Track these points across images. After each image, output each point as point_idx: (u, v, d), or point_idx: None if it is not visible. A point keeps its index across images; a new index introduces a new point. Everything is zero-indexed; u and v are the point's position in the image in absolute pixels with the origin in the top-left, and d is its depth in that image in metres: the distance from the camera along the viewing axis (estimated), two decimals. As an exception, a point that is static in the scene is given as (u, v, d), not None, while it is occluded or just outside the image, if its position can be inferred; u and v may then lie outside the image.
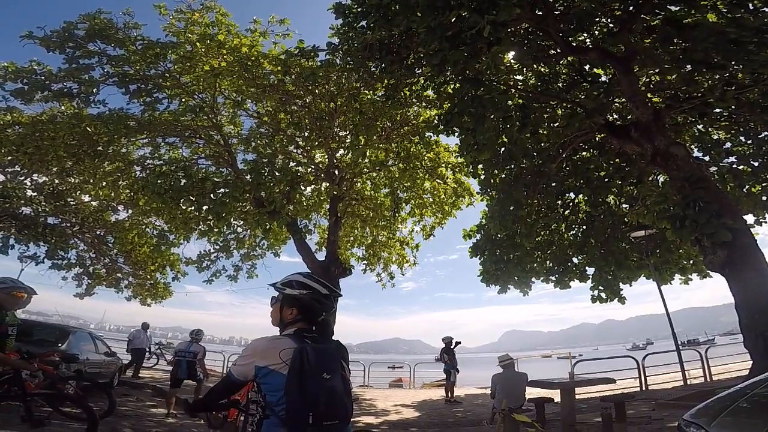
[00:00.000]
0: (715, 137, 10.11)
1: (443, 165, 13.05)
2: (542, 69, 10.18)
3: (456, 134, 8.75)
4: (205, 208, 10.30)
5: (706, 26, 6.76)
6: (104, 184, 13.24)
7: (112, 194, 13.60)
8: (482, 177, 10.50)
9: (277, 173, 10.38)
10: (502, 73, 9.51)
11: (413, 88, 9.95)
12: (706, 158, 9.84)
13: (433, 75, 8.71)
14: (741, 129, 9.54)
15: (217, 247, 12.81)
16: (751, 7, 7.07)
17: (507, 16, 5.50)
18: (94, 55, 10.34)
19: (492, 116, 7.37)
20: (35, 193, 14.71)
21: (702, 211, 6.22)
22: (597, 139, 10.72)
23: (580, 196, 11.81)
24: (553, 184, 11.38)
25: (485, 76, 8.36)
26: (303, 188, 11.92)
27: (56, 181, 14.54)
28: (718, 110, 8.80)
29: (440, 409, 9.96)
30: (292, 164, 12.02)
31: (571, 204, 12.34)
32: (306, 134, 11.54)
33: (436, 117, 10.01)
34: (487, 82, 8.03)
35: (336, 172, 12.08)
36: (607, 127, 9.02)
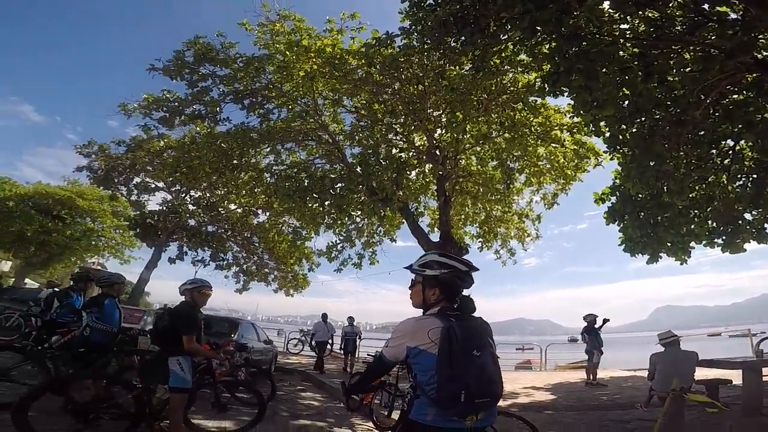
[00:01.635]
0: None
1: (556, 128, 11.81)
2: (650, 14, 8.50)
3: (566, 94, 7.90)
4: (327, 203, 11.16)
5: None
6: (243, 192, 15.38)
7: (251, 201, 15.73)
8: (607, 135, 9.19)
9: (382, 162, 10.69)
10: (605, 24, 8.20)
11: (503, 54, 9.25)
12: None
13: (523, 39, 7.96)
14: None
15: (342, 237, 13.78)
16: None
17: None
18: (207, 78, 11.67)
19: (605, 70, 6.44)
20: (194, 207, 17.96)
21: None
22: (749, 79, 8.54)
23: (742, 142, 9.52)
24: (702, 133, 9.39)
25: (585, 30, 7.32)
26: (409, 173, 12.04)
27: (207, 195, 17.49)
28: None
29: (579, 392, 9.16)
30: (395, 151, 12.25)
31: (731, 152, 10.05)
32: (401, 120, 11.61)
33: (538, 80, 9.18)
34: (589, 36, 7.01)
35: (437, 152, 11.92)
36: (759, 65, 7.13)
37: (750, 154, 9.95)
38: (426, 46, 8.76)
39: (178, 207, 16.97)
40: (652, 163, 8.60)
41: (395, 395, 5.65)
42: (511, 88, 10.20)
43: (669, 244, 10.59)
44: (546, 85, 7.86)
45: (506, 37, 8.44)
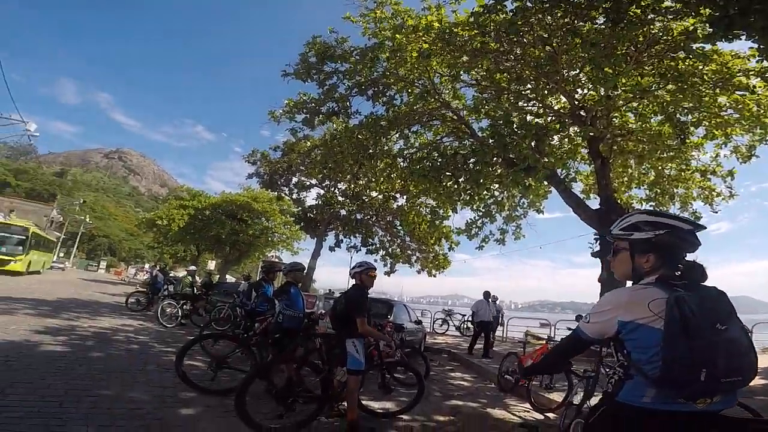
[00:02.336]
0: None
1: (739, 74, 9.27)
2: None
3: (744, 37, 6.37)
4: (461, 179, 11.04)
5: None
6: (381, 179, 16.34)
7: (389, 186, 16.62)
8: None
9: (517, 131, 9.99)
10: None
11: (642, 3, 7.70)
12: None
13: None
14: None
15: (480, 213, 13.49)
16: None
17: None
18: (332, 75, 12.44)
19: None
20: (342, 198, 19.89)
21: None
22: None
23: None
24: None
25: None
26: (550, 138, 10.97)
27: (351, 186, 19.13)
28: None
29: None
30: (529, 118, 11.33)
31: None
32: (530, 85, 10.61)
33: (698, 25, 7.73)
34: None
35: (582, 112, 10.54)
36: None
37: None
38: (545, 5, 7.92)
39: (330, 200, 19.07)
40: None
41: (572, 376, 5.24)
42: (665, 38, 8.50)
43: None
44: (718, 31, 6.53)
45: None
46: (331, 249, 19.98)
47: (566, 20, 8.46)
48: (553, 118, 11.35)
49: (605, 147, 10.76)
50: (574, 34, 8.20)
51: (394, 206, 19.15)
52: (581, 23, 8.50)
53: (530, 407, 5.66)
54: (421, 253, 19.37)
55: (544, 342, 6.92)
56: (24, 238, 21.42)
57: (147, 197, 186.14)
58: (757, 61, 8.91)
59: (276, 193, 21.88)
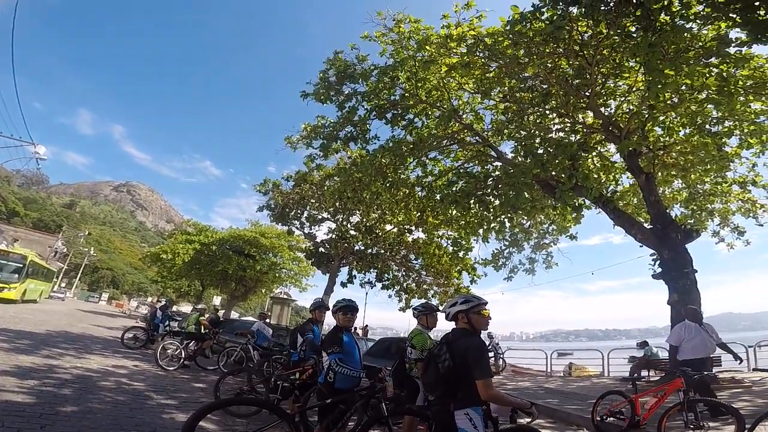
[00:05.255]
0: None
1: None
2: None
3: None
4: (494, 205, 10.22)
5: None
6: (397, 211, 15.55)
7: (406, 218, 15.82)
8: None
9: (550, 149, 9.33)
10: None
11: (671, 9, 7.42)
12: None
13: None
14: None
15: (507, 243, 12.63)
16: None
17: None
18: (351, 97, 11.87)
19: None
20: (355, 232, 19.05)
21: None
22: None
23: None
24: None
25: None
26: (587, 155, 10.27)
27: (364, 220, 18.32)
28: None
29: None
30: (561, 135, 10.71)
31: None
32: (554, 102, 10.08)
33: (729, 29, 7.50)
34: None
35: (615, 128, 9.94)
36: None
37: None
38: (583, 11, 7.55)
39: (344, 234, 18.22)
40: None
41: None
42: (697, 44, 8.06)
43: None
44: (750, 32, 6.20)
45: None
46: (343, 285, 18.98)
47: (598, 29, 8.04)
48: (586, 135, 10.74)
49: (646, 161, 10.07)
50: (626, 36, 7.74)
51: (410, 239, 18.28)
52: (613, 33, 8.09)
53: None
54: (439, 287, 18.28)
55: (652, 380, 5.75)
56: (21, 266, 21.50)
57: (153, 232, 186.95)
58: None
59: (287, 227, 21.06)
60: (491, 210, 10.38)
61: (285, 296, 25.85)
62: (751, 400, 7.10)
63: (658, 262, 9.31)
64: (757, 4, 6.13)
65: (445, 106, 11.32)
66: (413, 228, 17.37)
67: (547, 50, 8.70)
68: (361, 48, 11.93)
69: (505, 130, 11.27)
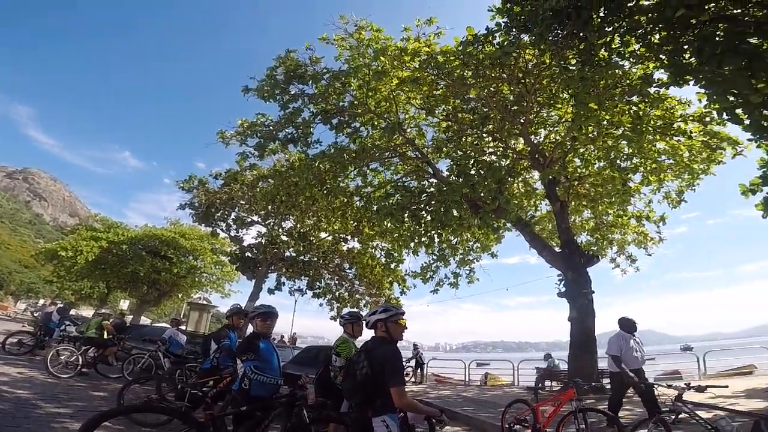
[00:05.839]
0: None
1: (679, 119, 10.36)
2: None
3: (693, 83, 6.78)
4: (424, 221, 10.60)
5: None
6: (333, 219, 15.45)
7: (342, 227, 15.78)
8: (747, 122, 7.74)
9: (481, 171, 9.98)
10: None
11: (611, 46, 8.22)
12: None
13: (632, 29, 7.28)
14: None
15: (435, 257, 13.13)
16: None
17: None
18: (297, 98, 11.57)
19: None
20: (287, 238, 18.51)
21: None
22: None
23: None
24: None
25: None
26: (513, 180, 11.13)
27: (298, 226, 17.90)
28: None
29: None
30: (493, 158, 11.50)
31: None
32: (496, 125, 10.84)
33: (656, 70, 8.40)
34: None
35: (540, 156, 10.92)
36: None
37: None
38: (529, 41, 8.18)
39: (275, 239, 17.60)
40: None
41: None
42: (625, 81, 9.18)
43: None
44: (671, 75, 7.01)
45: (612, 28, 7.66)
46: (271, 292, 18.21)
47: (543, 59, 8.70)
48: (514, 159, 11.60)
49: (562, 190, 11.09)
50: (564, 69, 8.29)
51: (344, 248, 18.21)
52: (555, 64, 8.80)
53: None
54: (371, 297, 18.37)
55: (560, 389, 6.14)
56: None
57: (52, 226, 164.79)
58: (702, 106, 9.83)
59: (211, 228, 19.77)
60: (423, 225, 10.75)
61: (204, 302, 24.09)
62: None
63: (563, 282, 10.27)
64: (686, 47, 6.79)
65: (392, 119, 11.55)
66: (349, 237, 17.33)
67: (493, 74, 9.27)
68: (316, 49, 11.72)
69: (444, 149, 11.80)
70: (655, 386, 5.52)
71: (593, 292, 9.87)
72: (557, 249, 10.78)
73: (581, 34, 7.48)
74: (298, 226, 17.98)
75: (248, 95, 11.53)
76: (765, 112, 7.85)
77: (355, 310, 6.12)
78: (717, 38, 6.20)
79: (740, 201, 8.54)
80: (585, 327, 9.57)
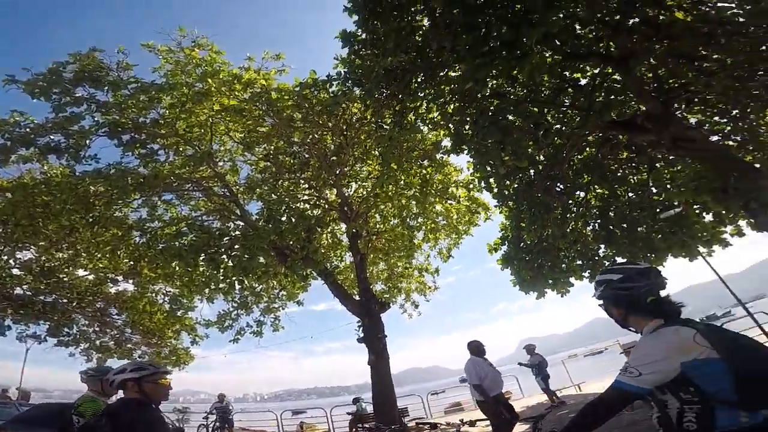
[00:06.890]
0: (693, 120, 10.09)
1: (453, 185, 12.83)
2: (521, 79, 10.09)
3: (466, 152, 8.61)
4: (223, 265, 9.60)
5: (678, 24, 6.80)
6: (99, 255, 12.35)
7: (112, 265, 12.73)
8: (495, 190, 10.27)
9: (292, 219, 9.86)
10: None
11: (418, 111, 9.80)
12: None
13: (435, 96, 8.51)
14: (715, 110, 9.60)
15: (236, 305, 12.09)
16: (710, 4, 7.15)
17: (553, 27, 5.21)
18: (82, 102, 9.38)
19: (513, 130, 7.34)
20: (22, 272, 13.62)
21: (741, 179, 6.38)
22: (599, 136, 10.82)
23: (591, 191, 11.80)
24: (559, 187, 11.30)
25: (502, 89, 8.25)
26: (322, 230, 11.42)
27: (42, 258, 13.49)
28: (700, 97, 8.79)
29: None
30: (306, 206, 11.58)
31: (583, 201, 12.30)
32: (313, 173, 11.07)
33: (446, 137, 9.78)
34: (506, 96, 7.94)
35: (348, 209, 11.66)
36: (615, 124, 9.06)
37: (595, 202, 12.45)
38: (360, 95, 8.57)
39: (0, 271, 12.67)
40: (540, 212, 9.99)
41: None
42: (421, 145, 10.69)
43: (551, 282, 12.32)
44: (453, 144, 8.36)
45: (423, 94, 8.71)
46: (-17, 338, 12.85)
47: (368, 115, 9.21)
48: (326, 209, 11.94)
49: (363, 243, 11.96)
50: (378, 126, 8.84)
51: (112, 290, 14.71)
52: (374, 121, 9.29)
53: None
54: (149, 347, 15.17)
55: None
56: None
57: None
58: (469, 173, 12.04)
59: None
60: (222, 270, 9.69)
61: None
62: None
63: (362, 328, 10.91)
64: (468, 118, 8.01)
65: (203, 147, 10.32)
66: (120, 278, 14.10)
67: (320, 121, 9.36)
68: (130, 54, 9.63)
69: (258, 189, 11.09)
70: (439, 425, 6.17)
71: (386, 336, 10.81)
72: (357, 297, 11.45)
73: (400, 96, 8.24)
74: (43, 258, 13.58)
75: (8, 88, 8.45)
76: (507, 182, 10.60)
77: (106, 365, 5.06)
78: (490, 113, 7.82)
79: (490, 256, 11.05)
80: (381, 369, 10.25)
